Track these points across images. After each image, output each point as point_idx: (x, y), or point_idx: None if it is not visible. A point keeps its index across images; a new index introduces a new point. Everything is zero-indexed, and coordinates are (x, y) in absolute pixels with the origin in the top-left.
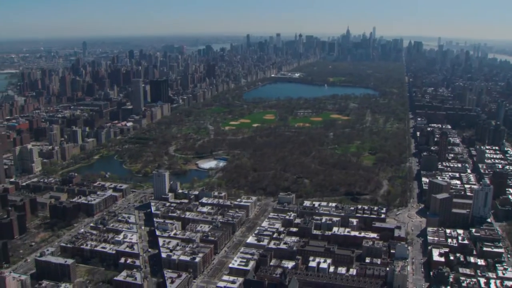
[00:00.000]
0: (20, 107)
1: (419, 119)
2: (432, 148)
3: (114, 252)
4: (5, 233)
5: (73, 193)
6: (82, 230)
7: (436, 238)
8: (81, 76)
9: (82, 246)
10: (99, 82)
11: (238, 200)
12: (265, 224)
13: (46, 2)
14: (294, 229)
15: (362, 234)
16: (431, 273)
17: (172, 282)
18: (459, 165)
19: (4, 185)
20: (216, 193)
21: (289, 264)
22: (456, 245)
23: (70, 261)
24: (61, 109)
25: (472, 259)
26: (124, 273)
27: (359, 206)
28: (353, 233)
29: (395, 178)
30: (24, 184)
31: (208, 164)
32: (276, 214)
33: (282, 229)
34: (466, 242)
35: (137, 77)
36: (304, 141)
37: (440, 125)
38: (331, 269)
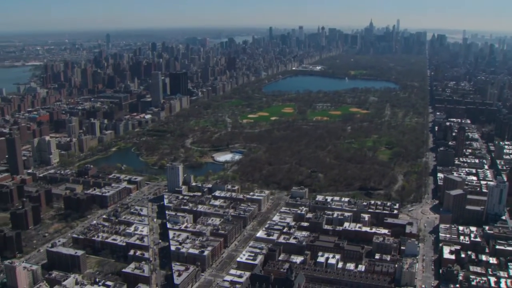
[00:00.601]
0: (42, 99)
1: (438, 113)
2: (449, 143)
3: (124, 244)
4: (20, 224)
5: (88, 185)
6: (95, 221)
7: (448, 235)
8: (102, 69)
9: (93, 238)
10: (120, 74)
11: (251, 193)
12: (276, 218)
13: None
14: (305, 224)
15: (373, 230)
16: (441, 271)
17: (179, 275)
18: (477, 160)
19: (22, 176)
20: (229, 187)
21: (298, 259)
22: (468, 242)
23: (80, 252)
24: (81, 101)
25: (484, 257)
26: (132, 265)
27: (372, 202)
28: (364, 228)
29: (411, 173)
30: (41, 175)
31: (224, 157)
32: (288, 209)
33: (293, 223)
34: (478, 239)
35: (158, 70)
36: (321, 135)
37: (459, 120)
38: (340, 265)
